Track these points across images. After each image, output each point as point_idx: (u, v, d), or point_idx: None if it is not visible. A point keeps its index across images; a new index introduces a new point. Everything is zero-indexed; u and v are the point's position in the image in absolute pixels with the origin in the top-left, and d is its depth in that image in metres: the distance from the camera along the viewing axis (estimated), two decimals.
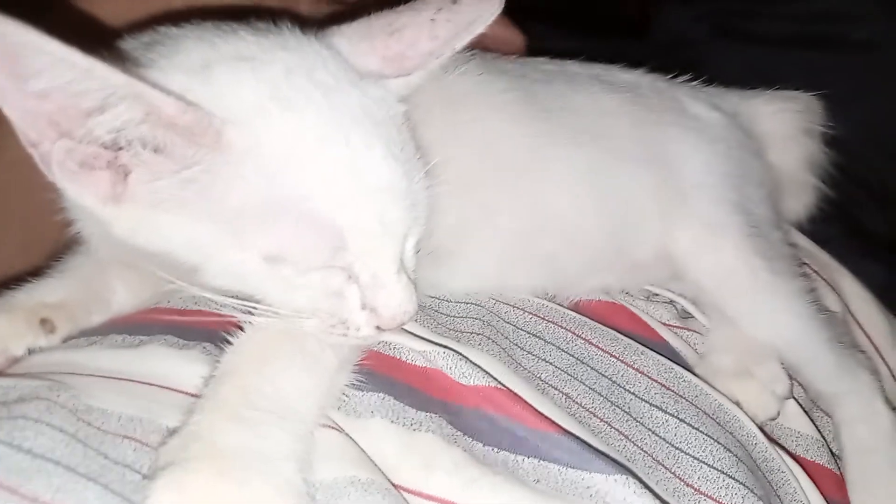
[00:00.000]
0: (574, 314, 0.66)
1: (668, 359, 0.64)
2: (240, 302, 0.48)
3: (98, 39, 0.48)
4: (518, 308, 0.66)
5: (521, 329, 0.63)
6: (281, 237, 0.44)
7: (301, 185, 0.44)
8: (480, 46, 0.66)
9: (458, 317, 0.63)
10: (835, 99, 0.84)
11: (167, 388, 0.48)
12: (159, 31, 0.49)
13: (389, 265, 0.47)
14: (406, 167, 0.47)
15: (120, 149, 0.42)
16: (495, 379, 0.54)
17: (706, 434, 0.57)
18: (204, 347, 0.51)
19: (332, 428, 0.48)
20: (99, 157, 0.42)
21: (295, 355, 0.48)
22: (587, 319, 0.66)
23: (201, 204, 0.43)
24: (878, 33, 1.05)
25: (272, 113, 0.43)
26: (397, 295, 0.48)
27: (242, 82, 0.44)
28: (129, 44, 0.49)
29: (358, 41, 0.50)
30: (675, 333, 0.70)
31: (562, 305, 0.67)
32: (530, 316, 0.65)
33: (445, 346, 0.55)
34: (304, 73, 0.45)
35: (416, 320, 0.59)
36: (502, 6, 0.50)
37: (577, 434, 0.52)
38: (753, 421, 0.62)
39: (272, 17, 0.50)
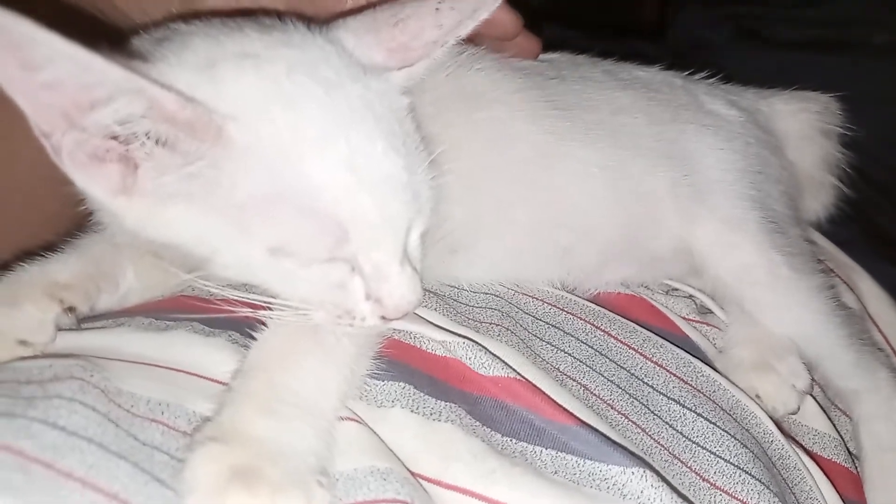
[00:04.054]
0: (594, 306, 0.66)
1: (688, 353, 0.64)
2: (251, 295, 0.48)
3: (112, 35, 0.49)
4: (537, 299, 0.66)
5: (541, 320, 0.64)
6: (284, 230, 0.45)
7: (303, 180, 0.44)
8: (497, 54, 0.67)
9: (477, 307, 0.63)
10: (854, 102, 0.84)
11: (194, 374, 0.48)
12: (171, 28, 0.49)
13: (392, 256, 0.48)
14: (408, 160, 0.47)
15: (130, 142, 0.43)
16: (514, 370, 0.54)
17: (723, 429, 0.57)
18: (230, 336, 0.51)
19: (353, 420, 0.48)
20: (111, 150, 0.43)
21: (315, 350, 0.49)
22: (606, 311, 0.66)
23: (207, 198, 0.44)
24: None
25: (274, 109, 0.44)
26: (401, 286, 0.48)
27: (245, 79, 0.44)
28: (142, 39, 0.50)
29: (363, 34, 0.50)
30: (695, 327, 0.70)
31: (581, 297, 0.68)
32: (549, 307, 0.65)
33: (465, 337, 0.55)
34: (306, 69, 0.46)
35: (435, 309, 0.59)
36: None
37: (595, 426, 0.52)
38: (771, 417, 0.62)
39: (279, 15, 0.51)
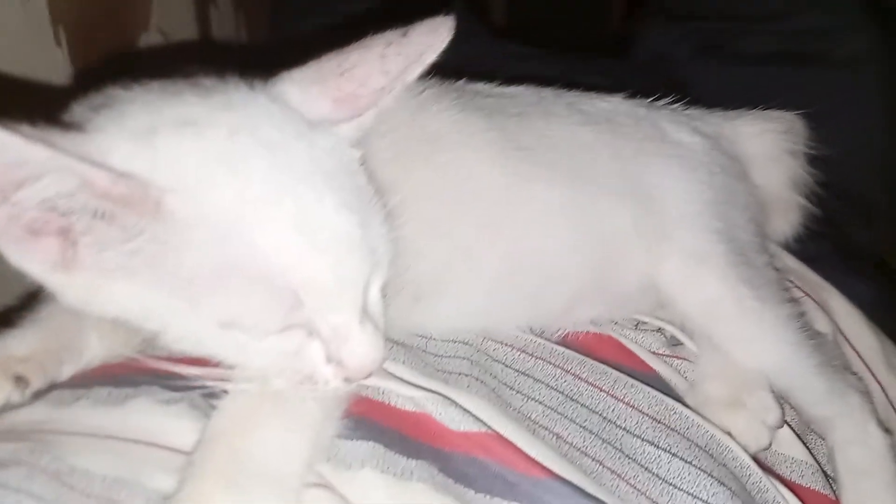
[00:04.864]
0: (562, 349, 0.66)
1: (659, 390, 0.64)
2: (208, 370, 0.47)
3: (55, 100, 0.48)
4: (506, 345, 0.65)
5: (510, 367, 0.63)
6: (235, 303, 0.43)
7: (250, 249, 0.42)
8: None
9: (445, 356, 0.62)
10: (820, 114, 0.84)
11: (154, 444, 0.47)
12: (108, 94, 0.48)
13: (351, 317, 0.46)
14: (361, 215, 0.46)
15: (68, 215, 0.41)
16: (485, 424, 0.53)
17: (699, 468, 0.57)
18: (191, 400, 0.50)
19: (321, 485, 0.47)
20: (48, 223, 0.41)
21: (278, 415, 0.47)
22: (576, 354, 0.66)
23: (152, 273, 0.42)
24: (860, 49, 1.06)
25: (215, 177, 0.42)
26: (362, 345, 0.46)
27: (185, 147, 0.43)
28: (80, 106, 0.48)
29: (308, 86, 0.49)
30: (665, 362, 0.70)
31: (550, 340, 0.67)
32: (518, 353, 0.65)
33: (434, 392, 0.55)
34: (248, 132, 0.44)
35: (403, 362, 0.59)
36: (452, 34, 0.49)
37: (570, 478, 0.51)
38: (746, 451, 0.62)
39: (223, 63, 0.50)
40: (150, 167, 0.41)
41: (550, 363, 0.64)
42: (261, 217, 0.43)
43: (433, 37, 0.48)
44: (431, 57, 0.49)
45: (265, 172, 0.43)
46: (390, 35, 0.49)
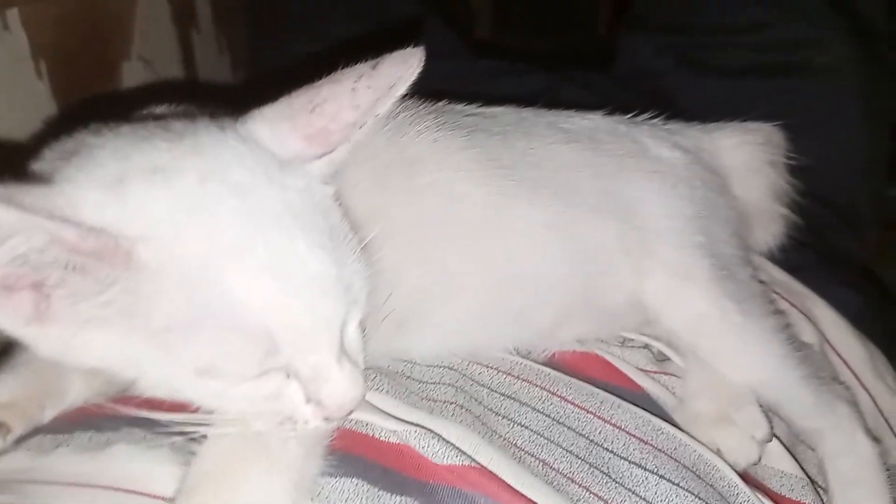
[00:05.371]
0: (549, 370, 0.66)
1: (646, 410, 0.64)
2: (186, 415, 0.47)
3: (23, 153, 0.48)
4: (491, 368, 0.65)
5: (495, 391, 0.63)
6: (209, 351, 0.42)
7: (222, 296, 0.42)
8: None
9: (430, 383, 0.62)
10: (802, 123, 0.84)
11: (135, 492, 0.47)
12: (78, 140, 0.48)
13: (328, 356, 0.45)
14: (335, 254, 0.46)
15: (40, 270, 0.41)
16: (469, 456, 0.53)
17: (687, 490, 0.57)
18: (172, 443, 0.50)
19: None
20: (21, 278, 0.41)
21: (259, 458, 0.47)
22: (562, 375, 0.65)
23: (126, 323, 0.42)
24: (839, 57, 1.07)
25: (184, 225, 0.42)
26: (341, 385, 0.46)
27: (154, 195, 0.42)
28: (49, 154, 0.48)
29: (279, 123, 0.48)
30: (653, 378, 0.70)
31: (536, 361, 0.67)
32: (504, 376, 0.65)
33: (417, 425, 0.55)
34: (218, 177, 0.44)
35: (387, 392, 0.58)
36: (422, 64, 0.49)
37: None
38: (735, 469, 0.62)
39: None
40: (120, 217, 0.41)
41: (536, 385, 0.64)
42: (232, 263, 0.42)
43: (403, 68, 0.48)
44: (401, 89, 0.49)
45: (235, 218, 0.43)
46: (360, 68, 0.48)
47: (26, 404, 0.53)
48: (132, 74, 1.07)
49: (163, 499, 0.46)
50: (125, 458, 0.49)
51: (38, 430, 0.54)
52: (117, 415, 0.53)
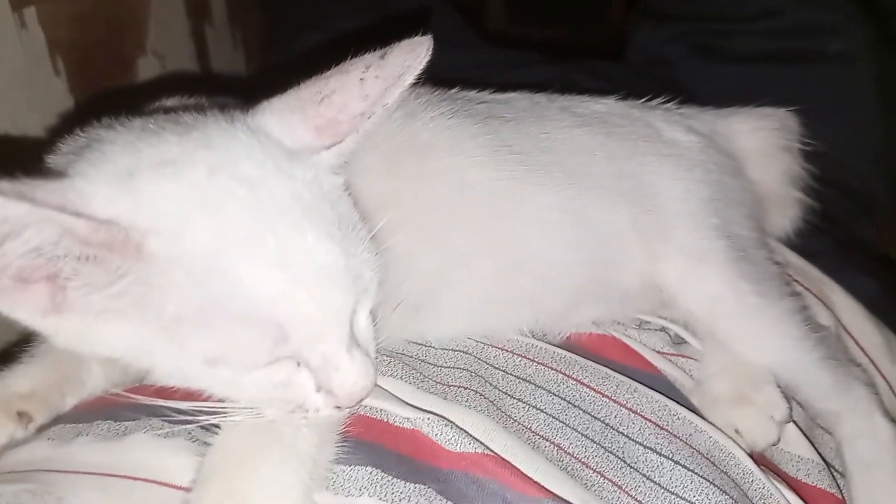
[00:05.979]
0: (564, 353, 0.66)
1: (663, 393, 0.64)
2: (200, 403, 0.47)
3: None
4: (507, 350, 0.65)
5: (511, 374, 0.63)
6: (220, 341, 0.43)
7: (232, 287, 0.42)
8: None
9: (445, 367, 0.62)
10: (816, 109, 0.84)
11: (153, 481, 0.48)
12: (90, 135, 0.48)
13: (338, 346, 0.46)
14: (344, 244, 0.46)
15: (54, 261, 0.41)
16: (482, 444, 0.54)
17: (701, 476, 0.57)
18: (189, 434, 0.51)
19: None
20: (36, 270, 0.42)
21: (273, 448, 0.48)
22: (578, 357, 0.65)
23: (138, 314, 0.43)
24: (853, 43, 1.06)
25: (195, 217, 0.43)
26: (351, 373, 0.46)
27: (164, 188, 0.43)
28: (63, 148, 0.49)
29: (288, 114, 0.49)
30: (670, 361, 0.69)
31: (551, 344, 0.67)
32: (519, 358, 0.65)
33: (431, 412, 0.55)
34: (227, 170, 0.44)
35: (401, 377, 0.59)
36: (431, 53, 0.49)
37: (568, 497, 0.51)
38: (751, 454, 0.61)
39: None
40: (131, 210, 0.42)
41: (552, 368, 0.64)
42: (242, 255, 0.43)
43: (411, 57, 0.48)
44: (410, 78, 0.49)
45: (244, 210, 0.44)
46: (369, 58, 0.49)
47: (47, 393, 0.54)
48: (148, 69, 1.08)
49: (179, 488, 0.47)
50: (142, 447, 0.50)
51: (58, 419, 0.55)
52: (135, 404, 0.54)
